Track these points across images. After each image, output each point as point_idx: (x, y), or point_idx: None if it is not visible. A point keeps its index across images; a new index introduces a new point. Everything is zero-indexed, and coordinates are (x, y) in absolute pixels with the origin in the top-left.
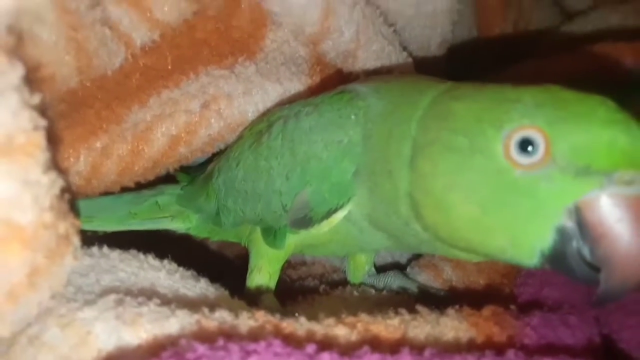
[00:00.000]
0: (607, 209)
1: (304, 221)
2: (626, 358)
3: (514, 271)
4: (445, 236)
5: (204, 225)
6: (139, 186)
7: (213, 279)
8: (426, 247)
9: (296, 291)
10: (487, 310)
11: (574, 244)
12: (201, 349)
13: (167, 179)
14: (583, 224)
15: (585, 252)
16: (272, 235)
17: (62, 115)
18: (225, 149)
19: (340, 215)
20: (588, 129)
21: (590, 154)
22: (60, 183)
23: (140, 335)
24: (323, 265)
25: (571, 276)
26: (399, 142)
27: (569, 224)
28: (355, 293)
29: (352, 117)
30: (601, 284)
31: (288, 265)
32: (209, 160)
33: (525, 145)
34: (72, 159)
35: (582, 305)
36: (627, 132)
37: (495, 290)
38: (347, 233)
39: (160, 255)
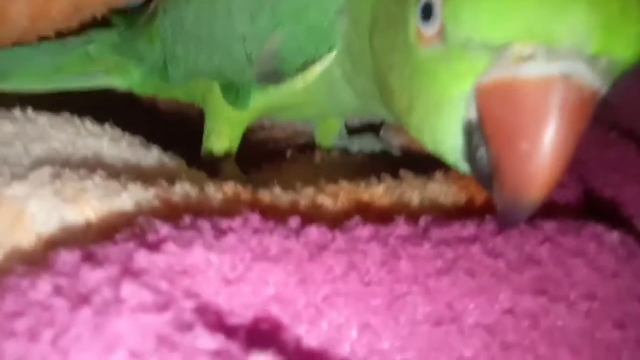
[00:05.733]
0: (497, 97)
1: (275, 75)
2: (611, 212)
3: None
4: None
5: (149, 80)
6: (62, 36)
7: (164, 148)
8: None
9: (258, 158)
10: None
11: (477, 141)
12: (165, 229)
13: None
14: (479, 115)
15: (483, 153)
16: (234, 92)
17: None
18: None
19: (319, 68)
20: None
21: (476, 19)
22: None
23: (86, 215)
24: (284, 129)
25: (482, 185)
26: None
27: (473, 116)
28: (327, 159)
29: None
30: (495, 198)
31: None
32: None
33: (427, 11)
34: None
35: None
36: None
37: None
38: (321, 91)
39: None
